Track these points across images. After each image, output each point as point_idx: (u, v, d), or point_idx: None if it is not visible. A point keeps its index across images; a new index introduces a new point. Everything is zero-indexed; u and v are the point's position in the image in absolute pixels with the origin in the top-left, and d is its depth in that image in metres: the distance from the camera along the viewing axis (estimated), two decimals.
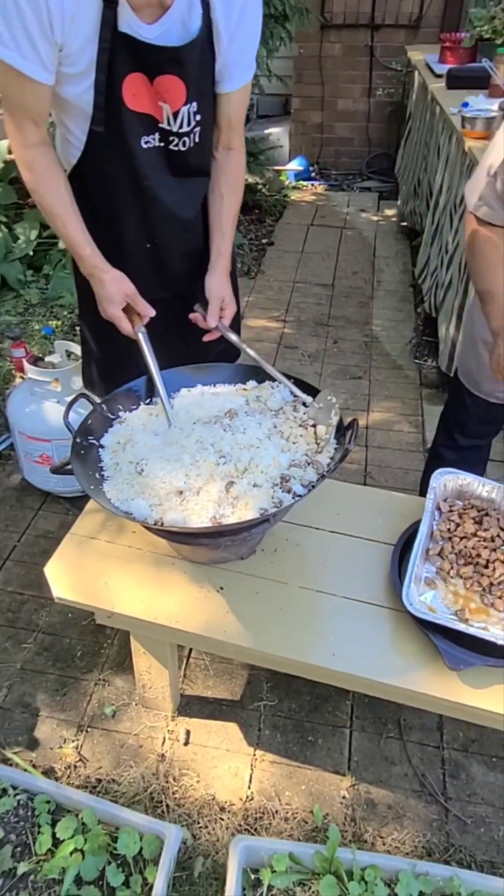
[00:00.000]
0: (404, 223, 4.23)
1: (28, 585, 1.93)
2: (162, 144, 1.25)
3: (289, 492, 1.12)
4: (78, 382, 2.02)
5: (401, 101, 4.83)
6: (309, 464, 1.18)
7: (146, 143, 1.23)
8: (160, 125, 1.22)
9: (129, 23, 1.10)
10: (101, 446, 1.26)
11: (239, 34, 1.19)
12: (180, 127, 1.22)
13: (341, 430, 1.22)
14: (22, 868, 1.18)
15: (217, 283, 1.39)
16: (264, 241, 4.21)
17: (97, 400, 1.33)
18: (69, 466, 1.19)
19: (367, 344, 3.15)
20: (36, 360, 2.02)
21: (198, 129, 1.26)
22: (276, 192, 4.79)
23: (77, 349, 2.04)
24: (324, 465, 1.17)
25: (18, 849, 1.22)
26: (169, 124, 1.22)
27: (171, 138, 1.24)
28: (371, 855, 1.20)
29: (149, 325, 1.51)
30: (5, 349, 2.77)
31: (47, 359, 2.02)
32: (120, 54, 1.11)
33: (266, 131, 5.10)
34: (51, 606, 1.87)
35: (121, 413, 1.33)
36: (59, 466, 1.26)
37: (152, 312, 1.29)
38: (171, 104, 1.19)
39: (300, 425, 1.26)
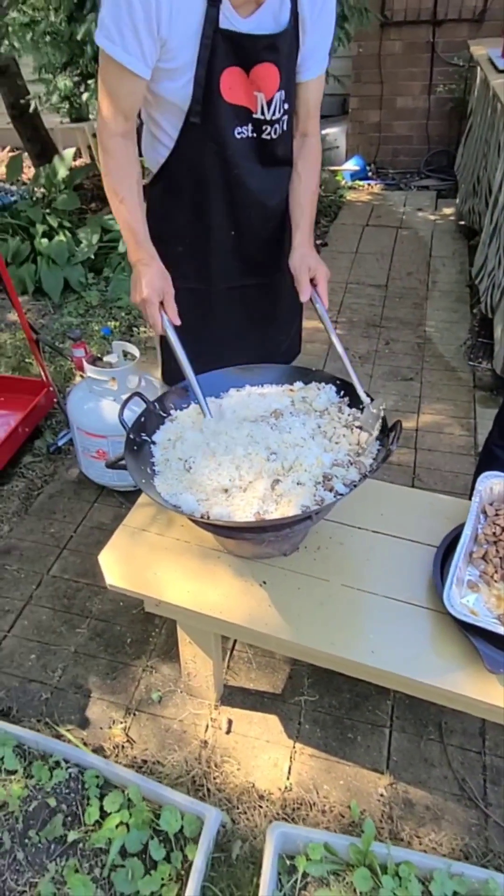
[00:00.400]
0: (462, 222, 4.15)
1: (83, 574, 2.03)
2: (254, 135, 1.34)
3: (331, 490, 1.15)
4: (134, 381, 2.11)
5: (462, 98, 4.73)
6: (351, 464, 1.20)
7: (239, 133, 1.32)
8: (254, 116, 1.31)
9: (229, 17, 1.19)
10: (153, 443, 1.32)
11: (319, 24, 1.29)
12: (273, 115, 1.31)
13: (385, 431, 1.24)
14: (72, 836, 1.26)
15: (298, 255, 1.40)
16: (318, 242, 4.22)
17: (150, 399, 1.39)
18: (123, 462, 1.26)
19: (419, 345, 3.12)
20: (95, 360, 2.12)
21: (285, 117, 1.35)
22: (331, 193, 4.79)
23: (133, 350, 2.13)
24: (366, 466, 1.19)
25: (69, 818, 1.31)
26: (263, 113, 1.31)
27: (263, 127, 1.33)
28: (406, 851, 1.22)
29: (229, 312, 1.59)
30: (66, 349, 2.91)
31: (105, 358, 2.12)
32: (219, 49, 1.20)
33: (323, 132, 5.09)
34: (103, 594, 1.96)
35: (172, 411, 1.39)
36: (114, 461, 1.33)
37: (177, 321, 1.30)
38: (266, 92, 1.28)
39: (344, 426, 1.29)
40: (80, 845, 1.26)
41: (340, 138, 5.18)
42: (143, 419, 1.33)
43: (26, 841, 1.27)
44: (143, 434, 1.31)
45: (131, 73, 1.19)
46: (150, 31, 1.14)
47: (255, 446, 1.23)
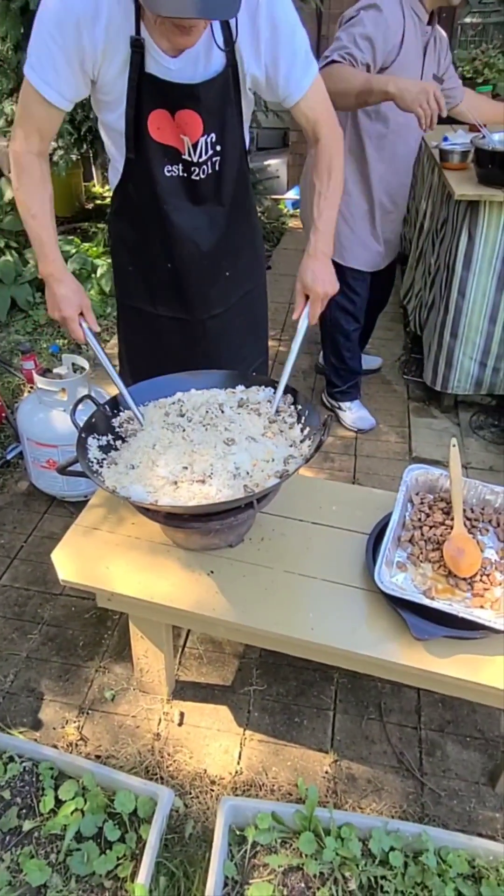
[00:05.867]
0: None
1: (34, 582, 2.06)
2: (185, 175, 1.41)
3: (277, 476, 1.26)
4: (83, 392, 2.17)
5: None
6: (290, 456, 1.32)
7: (169, 171, 1.40)
8: (183, 157, 1.38)
9: (156, 58, 1.26)
10: (102, 441, 1.40)
11: (281, 57, 1.29)
12: (199, 157, 1.39)
13: (318, 425, 1.36)
14: (27, 826, 1.29)
15: (300, 269, 1.42)
16: None
17: (100, 401, 1.47)
18: (73, 466, 1.33)
19: None
20: (44, 372, 2.17)
21: (216, 158, 1.41)
22: (274, 220, 5.01)
23: (82, 362, 2.20)
24: (304, 455, 1.31)
25: (23, 810, 1.33)
26: (190, 155, 1.38)
27: (192, 168, 1.40)
28: (347, 814, 1.31)
29: (172, 340, 1.66)
30: (15, 365, 2.94)
31: (55, 370, 2.18)
32: (145, 91, 1.29)
33: (265, 162, 5.36)
34: (55, 601, 1.99)
35: (121, 413, 1.47)
36: (65, 466, 1.40)
37: (97, 328, 1.43)
38: (191, 136, 1.36)
39: (277, 420, 1.40)
40: (35, 834, 1.29)
41: (282, 169, 5.44)
42: (93, 419, 1.41)
43: None
44: (93, 433, 1.39)
45: (47, 101, 1.26)
46: (72, 68, 1.22)
47: (202, 445, 1.33)
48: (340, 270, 2.40)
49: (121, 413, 1.47)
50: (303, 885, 1.22)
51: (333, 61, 1.97)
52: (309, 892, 1.21)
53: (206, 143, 1.37)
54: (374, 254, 2.48)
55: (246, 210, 1.58)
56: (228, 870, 1.23)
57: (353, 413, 2.76)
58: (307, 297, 1.43)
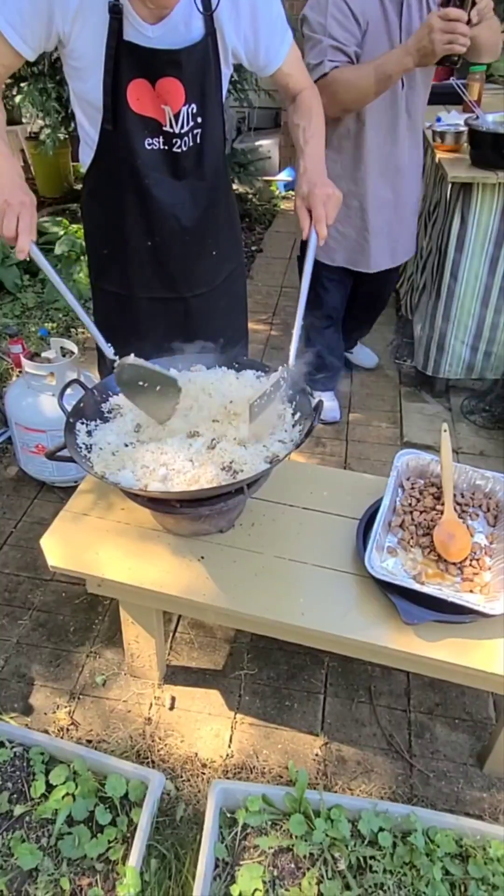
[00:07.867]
0: None
1: (24, 567, 2.04)
2: (165, 147, 1.37)
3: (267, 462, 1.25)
4: (72, 377, 2.14)
5: None
6: (280, 441, 1.31)
7: (150, 144, 1.35)
8: (164, 128, 1.34)
9: (135, 25, 1.22)
10: (91, 426, 1.38)
11: (261, 29, 1.32)
12: (181, 128, 1.35)
13: (310, 410, 1.35)
14: (18, 810, 1.29)
15: (296, 189, 1.34)
16: (254, 248, 4.36)
17: (88, 385, 1.45)
18: (62, 451, 1.31)
19: None
20: (32, 356, 2.14)
21: (198, 130, 1.37)
22: (265, 202, 4.95)
23: (71, 346, 2.17)
24: (294, 440, 1.30)
25: (14, 795, 1.33)
26: (171, 126, 1.34)
27: (173, 140, 1.36)
28: (337, 796, 1.32)
29: (152, 322, 1.61)
30: (3, 348, 2.90)
31: (43, 354, 2.15)
32: (124, 61, 1.24)
33: (257, 143, 5.27)
34: (45, 586, 1.98)
35: (109, 397, 1.45)
36: (54, 451, 1.38)
37: (33, 235, 1.17)
38: (172, 106, 1.32)
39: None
40: (27, 818, 1.29)
41: (273, 150, 5.36)
42: (81, 404, 1.39)
43: None
44: (82, 417, 1.37)
45: (9, 44, 1.22)
46: (39, 16, 1.19)
47: (194, 439, 1.31)
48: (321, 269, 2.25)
49: (110, 398, 1.45)
50: (293, 865, 1.23)
51: (324, 74, 1.83)
52: (299, 872, 1.22)
53: (188, 113, 1.34)
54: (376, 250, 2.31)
55: (225, 186, 1.56)
56: (219, 852, 1.24)
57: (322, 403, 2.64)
58: (310, 215, 1.32)
